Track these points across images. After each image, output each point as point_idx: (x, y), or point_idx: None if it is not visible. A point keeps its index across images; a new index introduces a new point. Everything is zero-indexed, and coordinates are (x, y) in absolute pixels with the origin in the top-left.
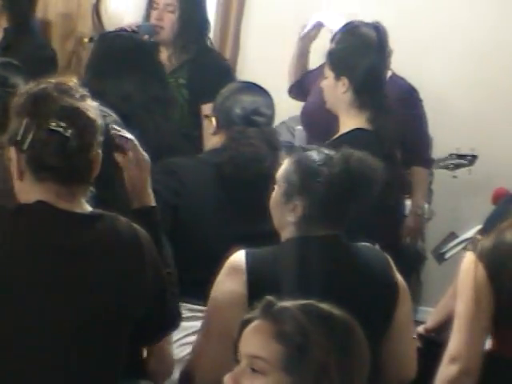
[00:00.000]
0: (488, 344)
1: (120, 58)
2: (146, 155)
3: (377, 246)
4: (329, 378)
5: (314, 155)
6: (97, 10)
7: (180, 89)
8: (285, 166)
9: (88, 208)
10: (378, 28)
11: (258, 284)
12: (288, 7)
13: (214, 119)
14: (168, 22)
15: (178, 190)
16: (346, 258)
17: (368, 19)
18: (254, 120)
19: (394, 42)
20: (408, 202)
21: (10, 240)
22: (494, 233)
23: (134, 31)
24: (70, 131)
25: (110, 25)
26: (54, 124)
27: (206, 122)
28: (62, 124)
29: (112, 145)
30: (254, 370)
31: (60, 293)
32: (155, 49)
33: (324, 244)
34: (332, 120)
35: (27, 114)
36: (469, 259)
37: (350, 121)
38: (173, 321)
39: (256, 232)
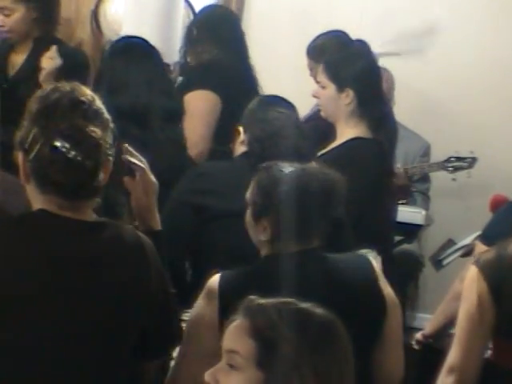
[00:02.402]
0: (487, 354)
1: (133, 66)
2: (154, 180)
3: (374, 253)
4: (300, 375)
5: (275, 173)
6: (96, 16)
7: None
8: (250, 188)
9: (92, 215)
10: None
11: (228, 307)
12: (288, 9)
13: (240, 128)
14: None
15: (205, 190)
16: (321, 272)
17: (368, 22)
18: (277, 116)
19: (392, 46)
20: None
21: (11, 249)
22: (496, 246)
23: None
24: (73, 153)
25: (109, 31)
26: (58, 143)
27: (235, 137)
28: (66, 145)
29: (121, 167)
30: (231, 366)
31: (62, 302)
32: (159, 53)
33: (297, 260)
34: None
35: (37, 125)
36: (471, 272)
37: (349, 130)
38: (176, 334)
39: None
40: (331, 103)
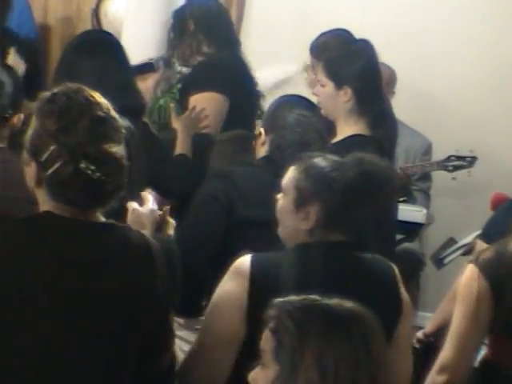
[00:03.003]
0: (483, 353)
1: (84, 61)
2: (151, 209)
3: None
4: (304, 365)
5: (322, 162)
6: (96, 15)
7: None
8: (292, 174)
9: (100, 217)
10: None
11: (259, 289)
12: (288, 10)
13: (262, 130)
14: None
15: (233, 193)
16: (353, 267)
17: (370, 23)
18: (299, 123)
19: (393, 45)
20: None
21: (17, 251)
22: (495, 244)
23: (109, 34)
24: (98, 174)
25: (110, 29)
26: (83, 166)
27: (257, 138)
28: (92, 167)
29: None
30: (262, 365)
31: (68, 303)
32: (119, 46)
33: (334, 251)
34: None
35: (56, 142)
36: (470, 271)
37: (348, 127)
38: (170, 340)
39: None
40: (330, 101)
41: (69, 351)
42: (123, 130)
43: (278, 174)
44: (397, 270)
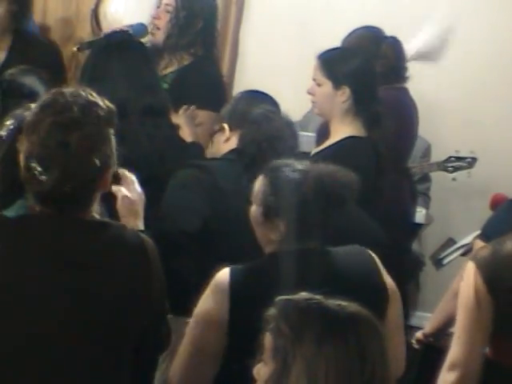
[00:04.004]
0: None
1: (113, 62)
2: (140, 192)
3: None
4: (296, 368)
5: (288, 174)
6: (96, 15)
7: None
8: (260, 184)
9: (94, 216)
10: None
11: (240, 302)
12: (288, 12)
13: (225, 125)
14: (164, 21)
15: (207, 180)
16: (328, 265)
17: (366, 23)
18: (270, 117)
19: None
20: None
21: (11, 251)
22: (492, 242)
23: (124, 31)
24: (43, 177)
25: (110, 30)
26: (32, 165)
27: (216, 134)
28: (39, 168)
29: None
30: (263, 361)
31: (62, 302)
32: (146, 50)
33: (304, 256)
34: None
35: (26, 135)
36: (468, 268)
37: (343, 128)
38: (167, 340)
39: None
40: (327, 101)
41: (61, 351)
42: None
43: (251, 166)
44: (376, 258)
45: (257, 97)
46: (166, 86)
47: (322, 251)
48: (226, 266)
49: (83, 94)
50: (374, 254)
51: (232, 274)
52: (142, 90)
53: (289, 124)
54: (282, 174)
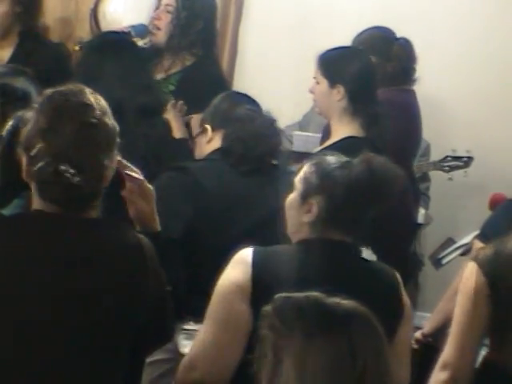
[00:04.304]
0: (484, 351)
1: (108, 62)
2: (150, 188)
3: (369, 251)
4: (285, 364)
5: (332, 159)
6: (95, 15)
7: (168, 95)
8: (303, 169)
9: (92, 213)
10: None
11: (262, 279)
12: (287, 12)
13: (208, 127)
14: (165, 22)
15: (195, 190)
16: (355, 266)
17: (365, 23)
18: (254, 115)
19: None
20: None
21: (8, 249)
22: (494, 242)
23: (124, 33)
24: (76, 179)
25: (108, 29)
26: (63, 168)
27: (199, 135)
28: (71, 171)
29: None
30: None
31: (60, 300)
32: (140, 49)
33: (336, 249)
34: None
35: (42, 138)
36: (470, 268)
37: (342, 128)
38: (169, 333)
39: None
40: (324, 99)
41: (59, 349)
42: (117, 138)
43: (238, 164)
44: (398, 275)
45: (237, 97)
46: (171, 87)
47: (353, 250)
48: (212, 265)
49: (88, 92)
50: (396, 272)
51: (255, 252)
52: (136, 90)
53: (271, 122)
54: (325, 158)
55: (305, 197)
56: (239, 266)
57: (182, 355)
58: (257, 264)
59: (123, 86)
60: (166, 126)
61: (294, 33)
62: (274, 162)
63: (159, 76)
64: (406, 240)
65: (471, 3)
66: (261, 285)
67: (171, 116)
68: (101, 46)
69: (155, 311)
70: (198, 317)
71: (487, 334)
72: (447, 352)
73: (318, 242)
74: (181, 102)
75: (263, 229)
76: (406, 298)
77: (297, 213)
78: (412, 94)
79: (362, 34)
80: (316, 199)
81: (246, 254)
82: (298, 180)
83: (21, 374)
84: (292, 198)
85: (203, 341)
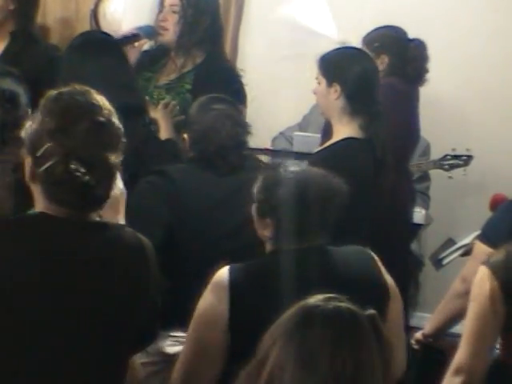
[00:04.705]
0: (496, 354)
1: (89, 61)
2: (123, 188)
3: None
4: (270, 360)
5: (281, 175)
6: (95, 15)
7: (185, 94)
8: (257, 183)
9: (94, 217)
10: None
11: (240, 300)
12: (288, 12)
13: (185, 135)
14: (172, 22)
15: (172, 194)
16: (323, 265)
17: (367, 23)
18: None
19: None
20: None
21: (10, 251)
22: (506, 246)
23: (134, 34)
24: (87, 178)
25: (109, 30)
26: (73, 167)
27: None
28: (82, 170)
29: None
30: None
31: (63, 302)
32: (121, 49)
33: (300, 255)
34: None
35: (51, 138)
36: (481, 272)
37: (342, 128)
38: (154, 335)
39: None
40: (323, 99)
41: (61, 350)
42: (123, 138)
43: (205, 166)
44: (376, 257)
45: (208, 100)
46: (188, 86)
47: (322, 250)
48: (193, 270)
49: (93, 92)
50: (374, 254)
51: (231, 272)
52: (116, 90)
53: (228, 115)
54: (274, 174)
55: (260, 214)
56: (215, 290)
57: (167, 355)
58: (233, 286)
59: (103, 86)
60: (150, 127)
61: (295, 33)
62: (240, 154)
63: (173, 76)
64: (402, 239)
65: (473, 4)
66: (238, 307)
67: (160, 116)
68: (83, 45)
69: (149, 312)
70: (183, 323)
71: (500, 336)
72: (460, 357)
73: (288, 253)
74: (173, 103)
75: (242, 231)
76: (388, 279)
77: (258, 227)
78: (416, 87)
79: (371, 33)
80: (269, 217)
81: (222, 277)
82: (254, 194)
83: (21, 374)
84: (253, 212)
85: (181, 362)
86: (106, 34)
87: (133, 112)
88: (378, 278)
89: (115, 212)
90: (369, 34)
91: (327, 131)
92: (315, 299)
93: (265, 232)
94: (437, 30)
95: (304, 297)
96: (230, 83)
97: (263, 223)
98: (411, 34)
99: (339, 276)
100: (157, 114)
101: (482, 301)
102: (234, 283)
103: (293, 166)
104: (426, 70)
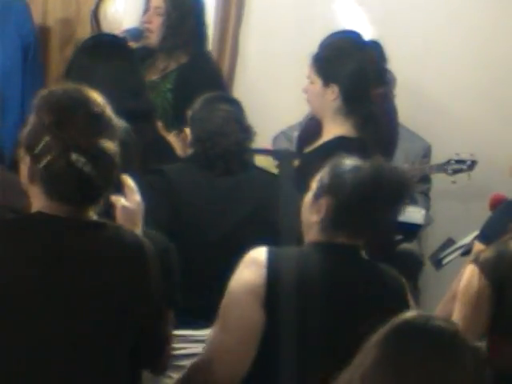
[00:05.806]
0: None
1: (99, 64)
2: (139, 201)
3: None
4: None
5: (349, 162)
6: (96, 16)
7: (166, 93)
8: (322, 170)
9: (93, 216)
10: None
11: (277, 280)
12: (288, 12)
13: (188, 130)
14: (157, 24)
15: (170, 194)
16: (364, 271)
17: (367, 24)
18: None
19: (392, 47)
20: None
21: (9, 251)
22: (495, 244)
23: (113, 34)
24: (88, 168)
25: (109, 30)
26: (74, 158)
27: (182, 136)
28: (82, 159)
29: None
30: None
31: (61, 302)
32: (131, 54)
33: (344, 253)
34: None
35: (49, 132)
36: (470, 270)
37: (334, 128)
38: (167, 345)
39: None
40: (317, 98)
41: (61, 351)
42: (119, 130)
43: (205, 166)
44: (405, 281)
45: (213, 99)
46: (169, 85)
47: (361, 254)
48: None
49: (85, 89)
50: (403, 278)
51: (269, 252)
52: (124, 95)
53: (236, 119)
54: (342, 161)
55: (316, 196)
56: (252, 266)
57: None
58: (271, 265)
59: (111, 90)
60: (156, 133)
61: (295, 34)
62: (243, 160)
63: (154, 77)
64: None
65: (475, 4)
66: (275, 286)
67: (173, 140)
68: (94, 47)
69: (155, 314)
70: (183, 322)
71: (487, 335)
72: None
73: (325, 246)
74: (185, 133)
75: (240, 231)
76: (412, 305)
77: (309, 213)
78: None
79: (327, 39)
80: (325, 198)
81: (259, 255)
82: (314, 180)
83: (21, 374)
84: (307, 197)
85: (215, 343)
86: (116, 36)
87: (140, 117)
88: (405, 301)
89: (132, 224)
90: (324, 41)
91: (309, 130)
92: (418, 315)
93: (314, 217)
94: (440, 33)
95: (333, 297)
96: (211, 85)
97: (316, 206)
98: (411, 35)
99: (371, 286)
100: (171, 138)
101: (470, 299)
102: (271, 262)
103: (359, 161)
104: (385, 71)
